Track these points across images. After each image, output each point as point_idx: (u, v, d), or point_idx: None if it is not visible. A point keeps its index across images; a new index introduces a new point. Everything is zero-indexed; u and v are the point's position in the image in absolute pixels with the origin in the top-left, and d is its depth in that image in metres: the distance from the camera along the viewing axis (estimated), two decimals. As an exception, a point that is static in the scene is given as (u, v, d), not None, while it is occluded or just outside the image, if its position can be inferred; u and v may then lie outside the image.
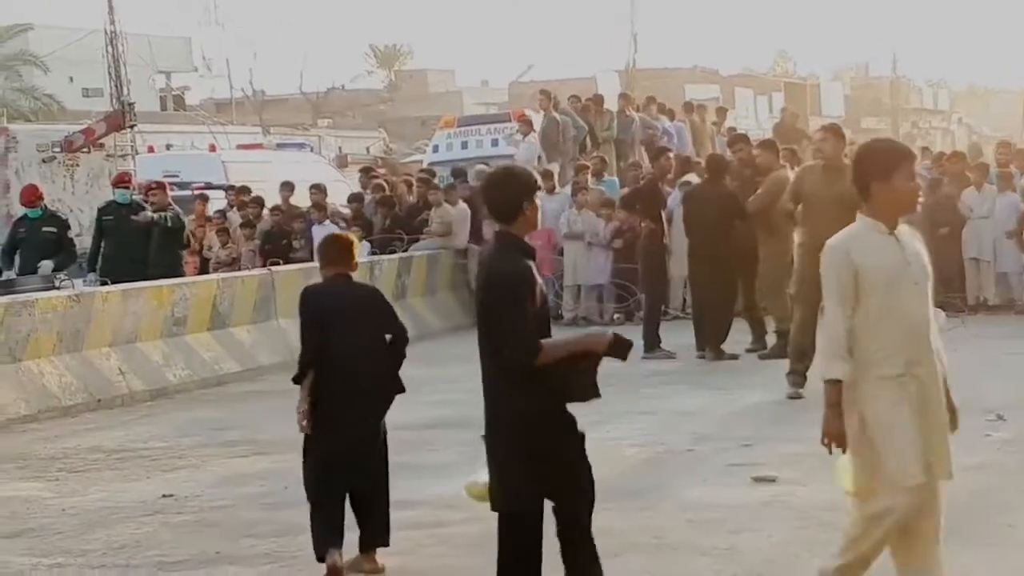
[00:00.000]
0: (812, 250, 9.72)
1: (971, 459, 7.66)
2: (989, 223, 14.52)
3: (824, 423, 4.48)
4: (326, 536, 5.76)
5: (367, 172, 17.65)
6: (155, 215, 12.99)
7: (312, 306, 5.93)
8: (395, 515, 5.96)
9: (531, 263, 4.59)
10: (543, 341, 4.51)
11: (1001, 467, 7.48)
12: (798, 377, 9.76)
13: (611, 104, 19.14)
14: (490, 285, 4.56)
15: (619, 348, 4.58)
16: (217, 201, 17.10)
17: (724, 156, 13.36)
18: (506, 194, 4.62)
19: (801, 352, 9.77)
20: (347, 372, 5.80)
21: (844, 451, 4.50)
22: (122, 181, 13.64)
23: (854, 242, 4.47)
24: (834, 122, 12.07)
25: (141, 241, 12.97)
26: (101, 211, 13.35)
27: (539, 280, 4.60)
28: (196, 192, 16.83)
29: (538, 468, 4.51)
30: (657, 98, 20.32)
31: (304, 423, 5.87)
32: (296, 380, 5.89)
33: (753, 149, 12.47)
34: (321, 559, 5.77)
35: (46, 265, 12.45)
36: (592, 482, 4.66)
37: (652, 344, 12.11)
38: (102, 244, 13.04)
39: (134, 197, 13.60)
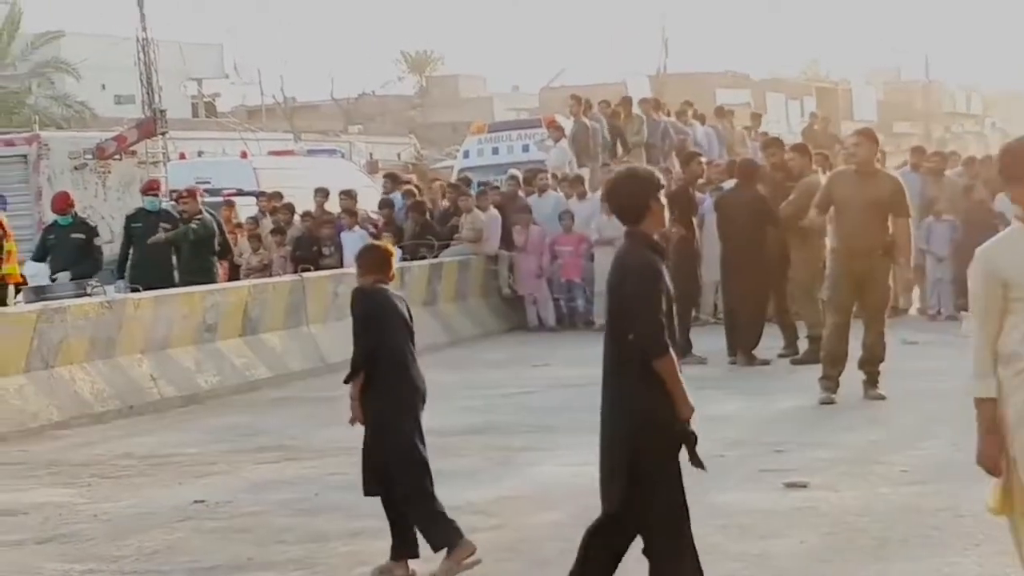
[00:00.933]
0: (844, 255, 9.69)
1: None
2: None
3: (979, 447, 4.20)
4: (453, 524, 5.80)
5: (393, 179, 17.62)
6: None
7: (367, 308, 5.90)
8: (425, 522, 5.94)
9: (661, 261, 4.61)
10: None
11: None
12: (830, 382, 9.70)
13: (637, 109, 19.10)
14: (621, 277, 4.59)
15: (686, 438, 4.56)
16: (248, 208, 17.16)
17: (755, 161, 13.31)
18: (632, 195, 4.64)
19: (833, 357, 9.71)
20: (399, 377, 5.82)
21: (998, 477, 4.22)
22: (151, 189, 13.72)
23: (1001, 249, 4.21)
24: (867, 126, 11.99)
25: (169, 248, 13.05)
26: (130, 218, 13.45)
27: (668, 281, 4.60)
28: (225, 198, 16.90)
29: (638, 474, 4.50)
30: (689, 103, 20.23)
31: (354, 418, 5.86)
32: (347, 380, 5.90)
33: (786, 153, 12.42)
34: (449, 546, 5.74)
35: (63, 276, 12.53)
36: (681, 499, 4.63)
37: (683, 350, 12.06)
38: (130, 251, 13.13)
39: (163, 205, 13.66)
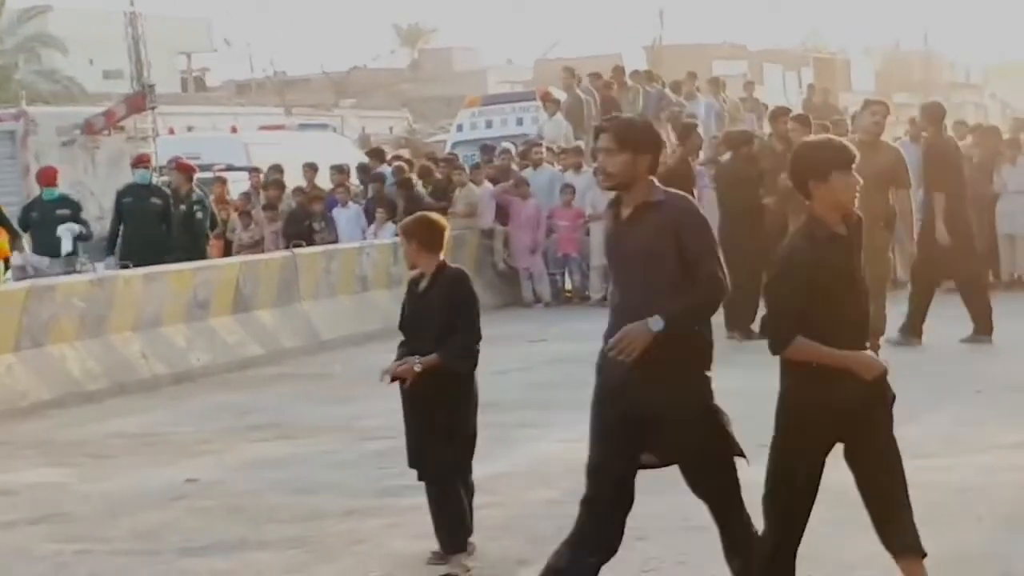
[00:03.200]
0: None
1: (1010, 437, 7.55)
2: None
3: None
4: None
5: (378, 155, 17.30)
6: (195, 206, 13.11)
7: (474, 295, 5.78)
8: (419, 499, 5.87)
9: (820, 244, 4.30)
10: (803, 341, 4.34)
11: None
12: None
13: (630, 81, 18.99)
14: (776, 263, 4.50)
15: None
16: (239, 183, 17.02)
17: (749, 132, 13.21)
18: (795, 170, 4.40)
19: None
20: (473, 373, 5.83)
21: None
22: (141, 161, 13.61)
23: None
24: (881, 98, 11.92)
25: (159, 223, 12.96)
26: (120, 193, 13.32)
27: (830, 265, 4.32)
28: (216, 174, 16.76)
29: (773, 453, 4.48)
30: (683, 74, 20.08)
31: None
32: (469, 367, 5.72)
33: (787, 124, 12.33)
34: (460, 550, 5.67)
35: (69, 228, 12.41)
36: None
37: None
38: (121, 226, 13.02)
39: (154, 179, 13.55)
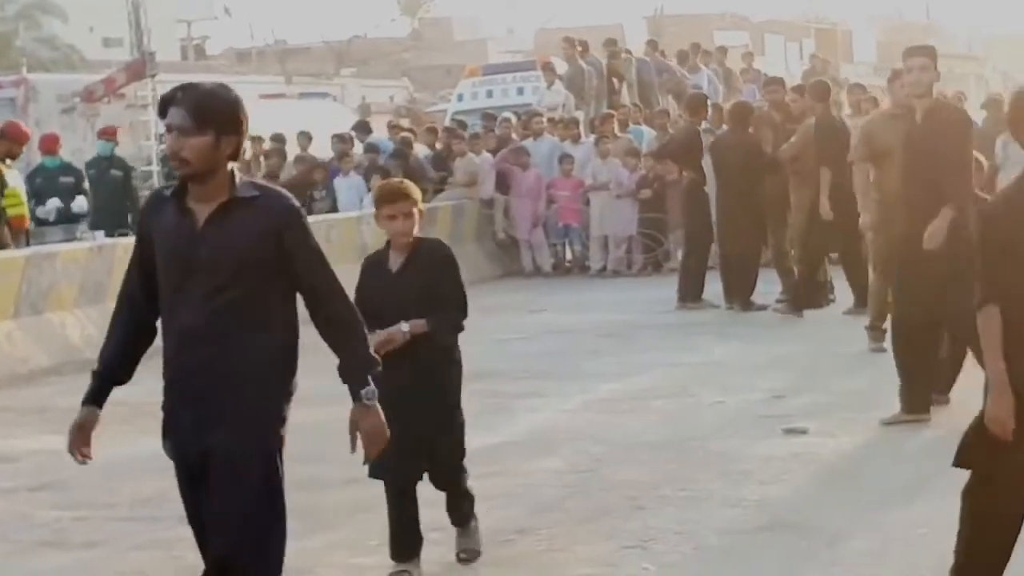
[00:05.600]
0: (893, 206, 9.00)
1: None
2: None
3: None
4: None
5: (363, 127, 17.09)
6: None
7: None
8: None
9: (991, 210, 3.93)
10: (991, 317, 3.81)
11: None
12: (877, 332, 9.12)
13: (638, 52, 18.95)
14: None
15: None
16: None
17: (748, 103, 13.18)
18: (1010, 119, 4.02)
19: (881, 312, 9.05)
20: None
21: None
22: (105, 133, 13.66)
23: None
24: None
25: (124, 194, 12.99)
26: (86, 166, 13.36)
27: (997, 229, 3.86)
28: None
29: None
30: (686, 44, 20.01)
31: None
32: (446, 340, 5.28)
33: (787, 95, 12.27)
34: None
35: (52, 203, 12.39)
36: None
37: (695, 294, 11.96)
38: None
39: (115, 151, 13.62)
